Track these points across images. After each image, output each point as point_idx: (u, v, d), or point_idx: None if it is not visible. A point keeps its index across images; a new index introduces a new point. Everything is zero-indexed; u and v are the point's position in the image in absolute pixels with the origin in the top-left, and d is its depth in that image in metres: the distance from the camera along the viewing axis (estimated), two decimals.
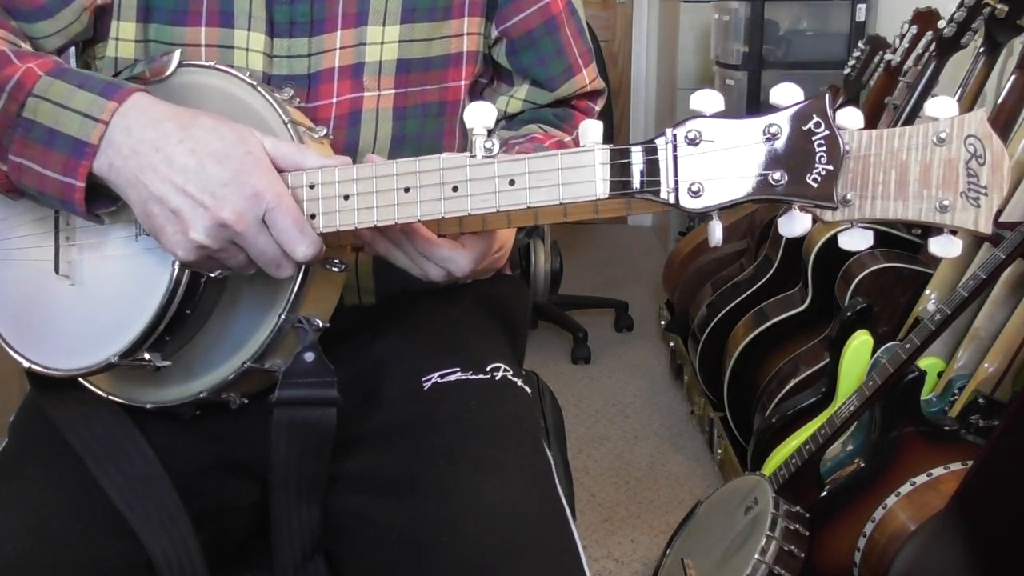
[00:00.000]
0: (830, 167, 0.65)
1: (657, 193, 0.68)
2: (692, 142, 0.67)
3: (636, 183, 0.69)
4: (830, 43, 3.04)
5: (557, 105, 1.07)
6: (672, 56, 4.03)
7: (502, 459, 0.84)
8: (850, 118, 0.66)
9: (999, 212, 0.66)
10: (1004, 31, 1.78)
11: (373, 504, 0.83)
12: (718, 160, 0.67)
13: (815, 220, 0.68)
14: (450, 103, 0.98)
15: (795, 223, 0.68)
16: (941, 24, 1.92)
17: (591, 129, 0.70)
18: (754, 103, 3.01)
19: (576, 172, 0.70)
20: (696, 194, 0.67)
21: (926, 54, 2.06)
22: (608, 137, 0.92)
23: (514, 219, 0.82)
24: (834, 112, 0.66)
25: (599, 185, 0.69)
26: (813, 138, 0.65)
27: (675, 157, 0.67)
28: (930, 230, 0.67)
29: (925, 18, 2.15)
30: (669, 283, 3.03)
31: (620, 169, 0.69)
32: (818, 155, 0.65)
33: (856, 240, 0.68)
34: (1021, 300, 1.46)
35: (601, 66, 1.11)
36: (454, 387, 0.89)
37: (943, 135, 0.65)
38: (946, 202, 0.65)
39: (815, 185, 0.65)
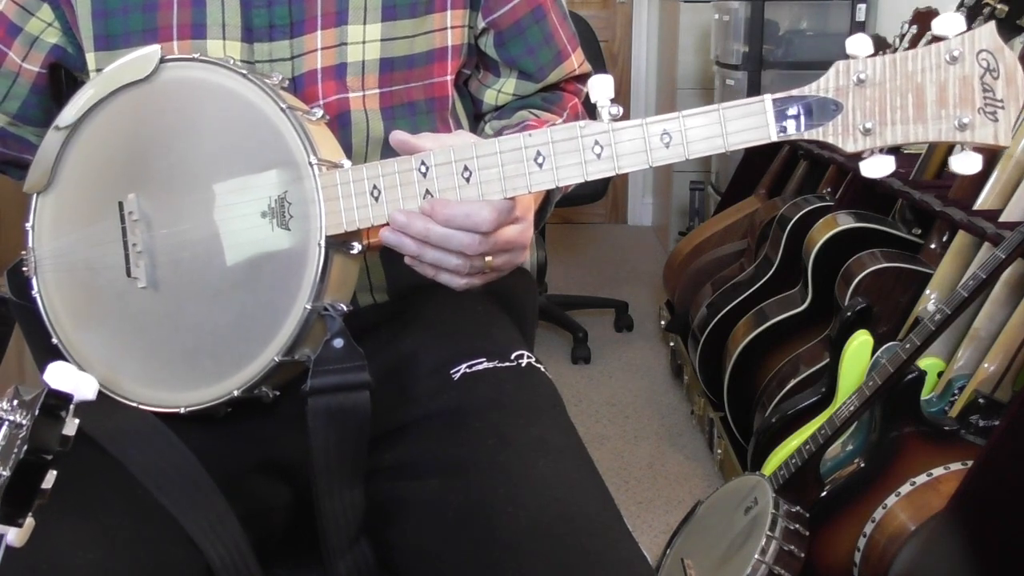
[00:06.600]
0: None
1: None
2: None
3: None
4: (830, 43, 3.03)
5: (546, 89, 1.06)
6: (672, 56, 4.03)
7: (546, 439, 0.86)
8: (859, 45, 0.65)
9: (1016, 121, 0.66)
10: (1004, 31, 1.78)
11: (423, 487, 0.84)
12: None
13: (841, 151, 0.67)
14: (438, 99, 0.97)
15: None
16: None
17: (598, 84, 0.71)
18: None
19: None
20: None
21: None
22: None
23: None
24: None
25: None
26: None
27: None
28: (949, 155, 0.66)
29: (925, 18, 2.14)
30: (669, 283, 3.03)
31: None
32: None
33: (879, 167, 0.67)
34: (1021, 300, 1.46)
35: (601, 66, 1.11)
36: (484, 375, 0.90)
37: (955, 53, 0.64)
38: (965, 120, 0.64)
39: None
